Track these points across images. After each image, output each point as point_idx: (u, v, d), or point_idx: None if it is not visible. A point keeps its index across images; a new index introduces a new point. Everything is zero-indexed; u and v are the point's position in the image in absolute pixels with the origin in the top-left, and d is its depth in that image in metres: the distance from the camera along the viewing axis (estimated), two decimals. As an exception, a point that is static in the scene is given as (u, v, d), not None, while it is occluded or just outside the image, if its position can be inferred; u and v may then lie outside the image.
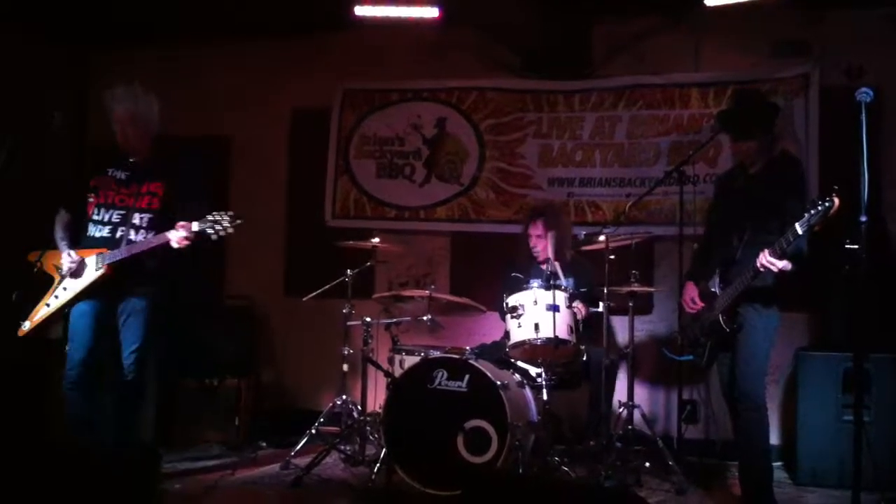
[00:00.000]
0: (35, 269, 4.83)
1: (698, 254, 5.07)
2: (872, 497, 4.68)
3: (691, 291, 4.81)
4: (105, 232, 4.82)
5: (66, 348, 4.82)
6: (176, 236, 4.63)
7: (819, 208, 3.91)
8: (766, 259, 4.17)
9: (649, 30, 6.66)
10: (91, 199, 4.88)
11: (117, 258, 4.72)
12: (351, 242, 5.96)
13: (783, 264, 4.18)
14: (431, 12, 6.34)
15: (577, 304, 5.41)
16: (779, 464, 5.78)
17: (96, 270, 4.73)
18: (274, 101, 7.49)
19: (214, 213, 4.64)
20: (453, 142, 7.19)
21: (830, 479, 5.30)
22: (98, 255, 4.75)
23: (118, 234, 4.80)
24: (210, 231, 4.62)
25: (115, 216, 4.84)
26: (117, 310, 4.84)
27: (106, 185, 4.88)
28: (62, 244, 4.86)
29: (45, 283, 4.86)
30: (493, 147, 7.07)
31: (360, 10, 6.38)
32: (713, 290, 4.63)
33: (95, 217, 4.86)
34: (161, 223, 4.80)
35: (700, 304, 4.74)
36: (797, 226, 3.99)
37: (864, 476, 3.70)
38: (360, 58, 7.29)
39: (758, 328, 4.50)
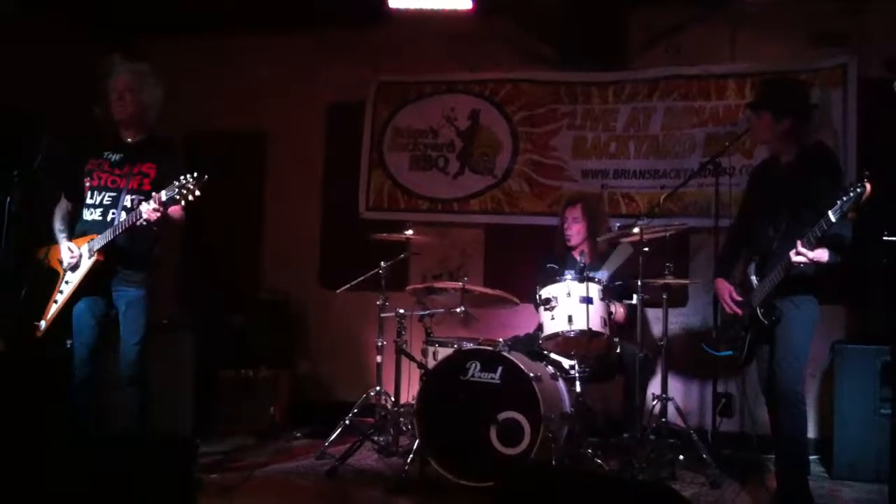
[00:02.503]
0: (44, 267, 4.79)
1: (725, 246, 5.01)
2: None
3: (727, 289, 4.73)
4: (97, 215, 4.70)
5: (69, 344, 4.74)
6: (146, 209, 4.46)
7: (851, 194, 3.87)
8: (797, 250, 4.13)
9: (685, 20, 6.61)
10: (87, 183, 4.75)
11: (102, 242, 4.61)
12: (385, 235, 5.99)
13: (815, 254, 4.13)
14: (464, 3, 6.34)
15: (616, 308, 5.43)
16: (815, 457, 5.73)
17: (89, 258, 4.64)
18: (309, 94, 7.53)
19: (180, 177, 4.42)
20: (487, 134, 7.19)
21: (867, 473, 5.24)
22: (89, 241, 4.65)
23: (109, 216, 4.67)
24: (178, 196, 4.42)
25: (106, 198, 4.71)
26: (113, 300, 4.74)
27: (100, 168, 4.76)
28: (61, 236, 4.76)
29: (54, 279, 4.77)
30: (526, 139, 7.06)
31: (395, 2, 6.40)
32: (751, 278, 4.57)
33: (89, 201, 4.73)
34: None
35: (738, 299, 4.66)
36: (830, 213, 3.95)
37: (901, 471, 3.68)
38: (395, 50, 7.31)
39: (797, 321, 4.43)
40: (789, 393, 4.42)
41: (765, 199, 4.66)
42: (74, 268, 4.68)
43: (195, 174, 4.43)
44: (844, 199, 3.88)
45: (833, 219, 3.95)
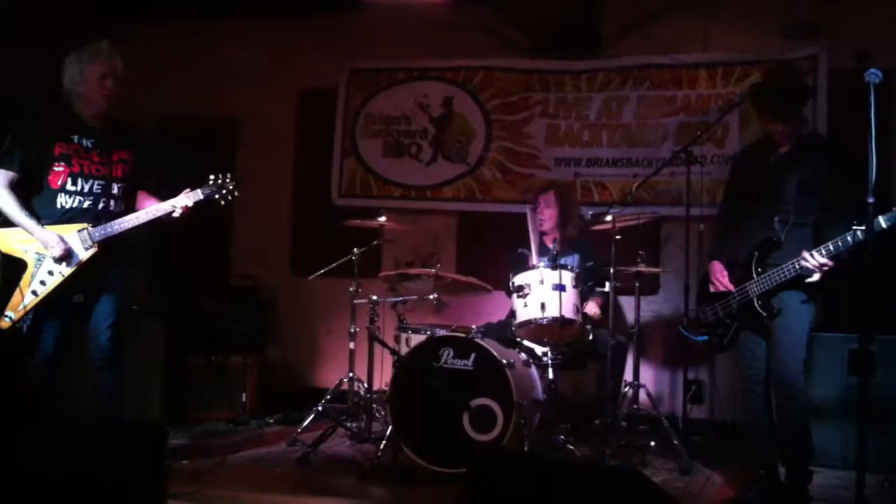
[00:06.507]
0: None
1: (721, 231, 4.93)
2: (876, 478, 4.70)
3: (720, 270, 4.66)
4: (86, 203, 4.57)
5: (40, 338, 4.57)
6: (181, 204, 4.54)
7: None
8: (819, 262, 4.14)
9: (658, 9, 6.63)
10: (60, 168, 4.52)
11: (109, 234, 4.53)
12: (357, 221, 5.97)
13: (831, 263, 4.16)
14: (438, -9, 6.32)
15: (593, 306, 5.53)
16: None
17: (86, 250, 4.51)
18: (281, 80, 7.48)
19: (215, 176, 4.59)
20: (460, 121, 7.18)
21: (835, 460, 5.28)
22: (81, 231, 4.51)
23: (100, 205, 4.60)
24: (217, 196, 4.56)
25: (96, 186, 4.59)
26: (93, 287, 4.63)
27: (77, 154, 4.57)
28: (31, 222, 4.47)
29: (18, 269, 4.54)
30: (499, 127, 7.06)
31: (369, -10, 6.37)
32: (751, 268, 4.49)
33: (71, 188, 4.54)
34: (130, 192, 4.72)
35: (729, 286, 4.60)
36: (881, 219, 3.89)
37: (869, 457, 3.70)
38: (368, 37, 7.28)
39: (801, 314, 4.43)
40: (794, 383, 4.43)
41: (762, 186, 4.56)
42: (64, 259, 4.49)
43: (228, 175, 4.59)
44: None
45: (884, 224, 3.90)
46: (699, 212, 5.71)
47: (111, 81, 4.61)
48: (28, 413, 4.56)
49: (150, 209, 4.62)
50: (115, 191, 4.66)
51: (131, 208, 4.72)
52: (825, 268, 4.18)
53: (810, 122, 6.00)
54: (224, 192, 4.61)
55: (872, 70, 3.62)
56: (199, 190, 4.58)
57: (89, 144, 4.64)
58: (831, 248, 4.12)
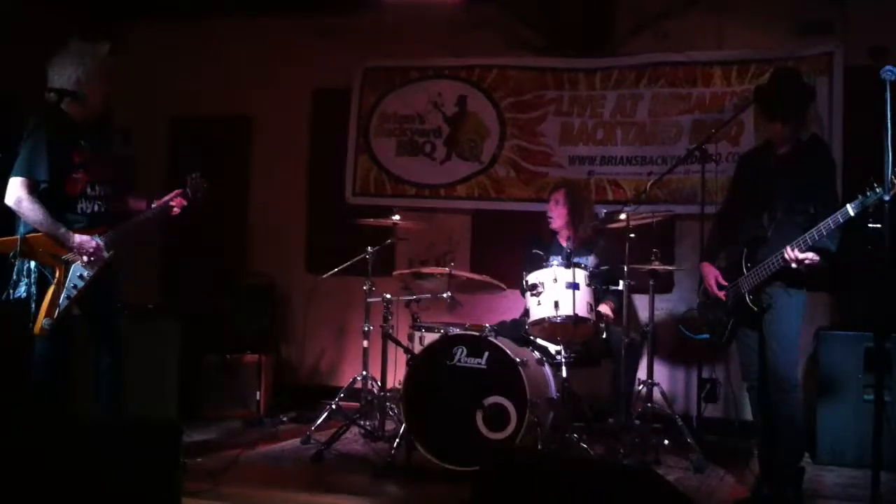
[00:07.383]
0: (30, 260, 4.38)
1: (715, 231, 4.98)
2: (892, 476, 4.67)
3: (713, 274, 4.69)
4: (104, 208, 4.56)
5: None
6: (178, 202, 4.69)
7: (877, 192, 3.79)
8: (797, 256, 4.15)
9: (672, 6, 6.61)
10: (79, 176, 4.47)
11: (125, 236, 4.58)
12: (371, 220, 5.98)
13: (810, 256, 4.17)
14: (452, -10, 6.32)
15: (606, 308, 5.50)
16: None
17: (108, 252, 4.50)
18: (295, 80, 7.50)
19: (191, 176, 4.79)
20: (474, 120, 7.18)
21: (850, 458, 5.29)
22: (103, 235, 4.50)
23: (110, 208, 4.62)
24: (199, 194, 4.76)
25: (107, 190, 4.59)
26: (100, 288, 4.56)
27: (90, 160, 4.52)
28: (63, 229, 4.40)
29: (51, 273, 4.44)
30: (513, 125, 7.05)
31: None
32: (741, 265, 4.54)
33: (91, 193, 4.52)
34: (120, 192, 4.74)
35: (724, 284, 4.63)
36: (849, 207, 3.93)
37: (884, 456, 3.68)
38: (382, 37, 7.29)
39: (789, 308, 4.44)
40: (785, 379, 4.44)
41: (759, 187, 4.60)
42: (98, 262, 4.48)
43: (199, 174, 4.79)
44: (869, 194, 3.81)
45: (852, 213, 3.92)
46: (714, 210, 5.68)
47: (111, 84, 4.62)
48: (39, 413, 4.56)
49: (154, 209, 4.68)
50: (112, 192, 4.65)
51: (121, 208, 4.71)
52: (806, 261, 4.18)
53: (825, 120, 6.02)
54: (201, 190, 4.79)
55: (888, 67, 3.60)
56: (187, 189, 4.72)
57: (89, 147, 4.58)
58: (808, 239, 4.13)
